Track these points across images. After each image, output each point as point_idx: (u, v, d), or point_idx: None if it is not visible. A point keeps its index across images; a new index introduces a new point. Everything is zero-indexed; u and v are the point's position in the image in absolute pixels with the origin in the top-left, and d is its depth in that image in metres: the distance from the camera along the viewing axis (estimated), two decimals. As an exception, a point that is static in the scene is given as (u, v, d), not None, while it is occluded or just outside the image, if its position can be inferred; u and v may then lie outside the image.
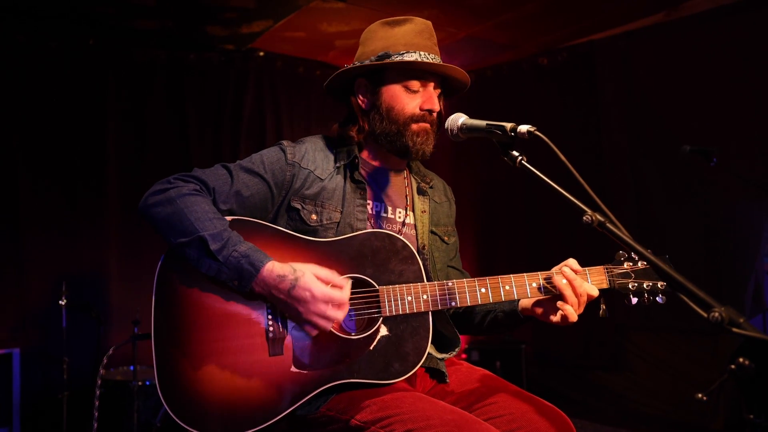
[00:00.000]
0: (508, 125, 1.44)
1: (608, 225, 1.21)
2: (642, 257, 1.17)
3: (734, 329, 0.96)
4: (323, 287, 1.56)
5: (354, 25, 4.64)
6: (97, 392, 3.23)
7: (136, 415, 3.53)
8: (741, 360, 1.04)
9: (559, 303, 1.65)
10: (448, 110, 1.77)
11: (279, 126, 5.19)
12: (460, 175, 5.60)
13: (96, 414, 3.19)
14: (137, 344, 3.48)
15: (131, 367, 3.77)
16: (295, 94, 5.30)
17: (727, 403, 4.11)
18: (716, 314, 0.98)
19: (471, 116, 1.61)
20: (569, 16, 4.66)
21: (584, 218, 1.22)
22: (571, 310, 1.63)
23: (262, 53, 5.16)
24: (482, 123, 1.52)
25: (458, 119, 1.62)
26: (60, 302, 3.68)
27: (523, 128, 1.41)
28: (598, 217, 1.22)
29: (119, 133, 4.62)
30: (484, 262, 5.59)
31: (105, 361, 3.46)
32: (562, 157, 1.29)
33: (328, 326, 1.58)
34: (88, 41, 4.54)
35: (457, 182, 5.46)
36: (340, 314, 1.57)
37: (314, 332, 1.59)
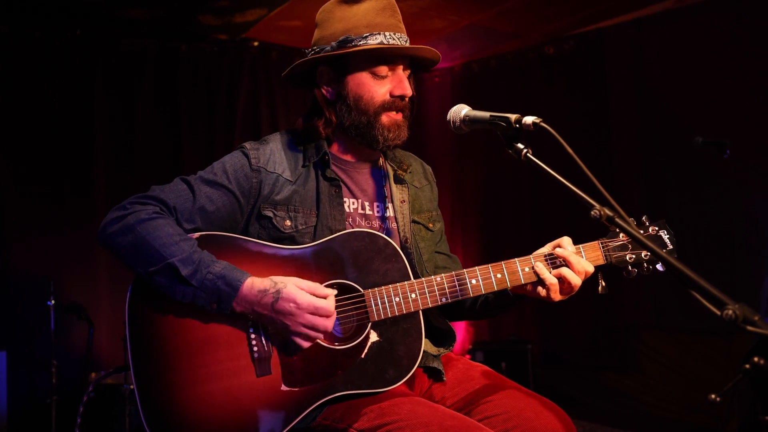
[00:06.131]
0: (513, 116, 1.42)
1: (617, 220, 1.20)
2: (654, 254, 1.13)
3: (748, 327, 0.96)
4: (308, 297, 1.50)
5: (352, 13, 4.54)
6: (85, 398, 3.18)
7: (127, 420, 3.51)
8: (756, 360, 1.00)
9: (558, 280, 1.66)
10: (451, 102, 1.79)
11: (275, 119, 5.14)
12: (464, 168, 5.61)
13: (82, 411, 3.15)
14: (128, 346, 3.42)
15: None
16: (292, 86, 5.14)
17: (741, 405, 4.07)
18: (730, 312, 0.97)
19: (474, 107, 1.58)
20: (576, 2, 4.63)
21: (592, 213, 1.21)
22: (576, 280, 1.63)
23: (256, 43, 5.11)
24: (486, 114, 1.50)
25: (461, 111, 1.58)
26: (48, 303, 3.67)
27: (529, 119, 1.40)
28: (607, 211, 1.21)
29: (108, 128, 4.59)
30: (489, 257, 5.49)
31: (93, 377, 3.42)
32: (569, 150, 1.27)
33: (318, 336, 1.53)
34: (74, 31, 4.50)
35: (461, 176, 5.57)
36: (328, 323, 1.51)
37: (305, 344, 1.52)
